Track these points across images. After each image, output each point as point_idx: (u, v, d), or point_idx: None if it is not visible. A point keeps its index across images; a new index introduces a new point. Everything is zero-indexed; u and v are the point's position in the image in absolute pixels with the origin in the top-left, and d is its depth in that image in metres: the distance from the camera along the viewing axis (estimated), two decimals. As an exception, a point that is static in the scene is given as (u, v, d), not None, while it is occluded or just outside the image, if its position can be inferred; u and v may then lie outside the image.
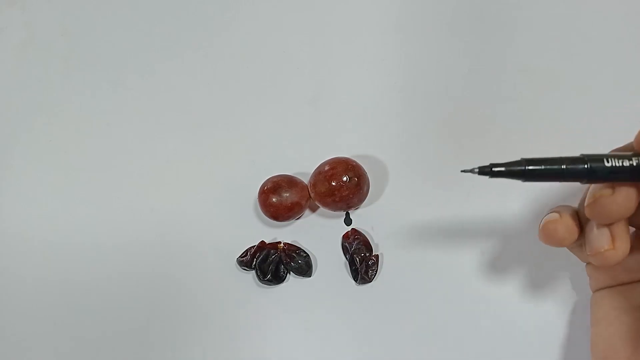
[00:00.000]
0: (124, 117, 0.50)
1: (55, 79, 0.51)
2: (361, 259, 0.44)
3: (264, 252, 0.45)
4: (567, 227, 0.34)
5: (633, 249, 0.33)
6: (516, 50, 0.49)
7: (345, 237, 0.45)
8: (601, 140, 0.47)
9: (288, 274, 0.45)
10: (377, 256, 0.44)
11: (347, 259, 0.45)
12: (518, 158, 0.47)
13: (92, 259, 0.46)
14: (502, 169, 0.32)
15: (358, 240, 0.44)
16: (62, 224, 0.47)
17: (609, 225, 0.32)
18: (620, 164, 0.32)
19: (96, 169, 0.49)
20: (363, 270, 0.44)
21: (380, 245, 0.45)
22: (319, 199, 0.44)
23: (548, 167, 0.32)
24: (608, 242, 0.32)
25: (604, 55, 0.48)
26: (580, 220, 0.35)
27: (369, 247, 0.44)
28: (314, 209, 0.46)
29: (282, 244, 0.45)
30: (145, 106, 0.50)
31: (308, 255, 0.45)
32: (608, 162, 0.32)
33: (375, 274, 0.44)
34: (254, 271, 0.45)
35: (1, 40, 0.52)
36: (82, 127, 0.50)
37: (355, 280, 0.44)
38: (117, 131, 0.49)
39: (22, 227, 0.48)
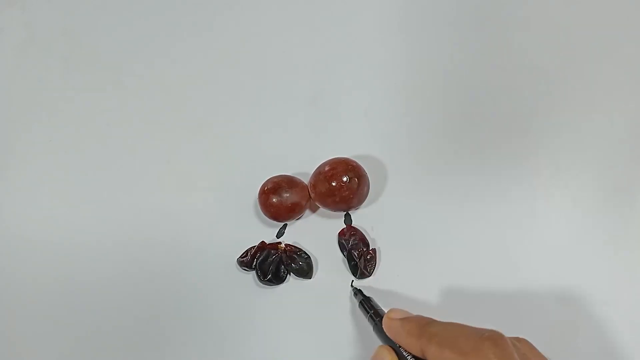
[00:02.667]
0: (124, 117, 0.50)
1: (55, 79, 0.51)
2: (359, 254, 0.44)
3: (265, 253, 0.45)
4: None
5: None
6: (516, 50, 0.49)
7: (342, 234, 0.45)
8: (601, 140, 0.47)
9: (288, 275, 0.45)
10: (374, 250, 0.44)
11: (344, 255, 0.45)
12: (517, 157, 0.47)
13: (92, 258, 0.46)
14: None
15: (355, 237, 0.45)
16: (62, 223, 0.47)
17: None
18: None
19: (96, 169, 0.49)
20: (362, 265, 0.44)
21: (378, 241, 0.45)
22: (319, 200, 0.44)
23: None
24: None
25: (605, 55, 0.48)
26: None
27: (365, 243, 0.45)
28: (314, 209, 0.46)
29: (283, 245, 0.45)
30: (145, 106, 0.50)
31: (309, 256, 0.45)
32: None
33: (374, 268, 0.44)
34: (254, 271, 0.45)
35: (1, 40, 0.52)
36: (82, 127, 0.50)
37: (355, 275, 0.44)
38: (117, 131, 0.49)
39: (22, 226, 0.48)
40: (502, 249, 0.45)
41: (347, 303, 0.44)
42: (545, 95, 0.48)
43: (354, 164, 0.44)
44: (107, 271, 0.46)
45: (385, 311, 0.39)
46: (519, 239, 0.45)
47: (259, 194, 0.45)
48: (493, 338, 0.31)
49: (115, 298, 0.46)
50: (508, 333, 0.43)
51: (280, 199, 0.44)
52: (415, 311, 0.43)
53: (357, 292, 0.42)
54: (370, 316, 0.40)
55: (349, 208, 0.45)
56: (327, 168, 0.44)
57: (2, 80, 0.51)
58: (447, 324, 0.34)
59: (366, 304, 0.41)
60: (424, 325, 0.34)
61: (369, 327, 0.42)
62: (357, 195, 0.44)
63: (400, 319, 0.36)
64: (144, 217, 0.47)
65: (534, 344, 0.43)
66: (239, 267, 0.45)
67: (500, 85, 0.48)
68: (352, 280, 0.44)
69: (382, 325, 0.38)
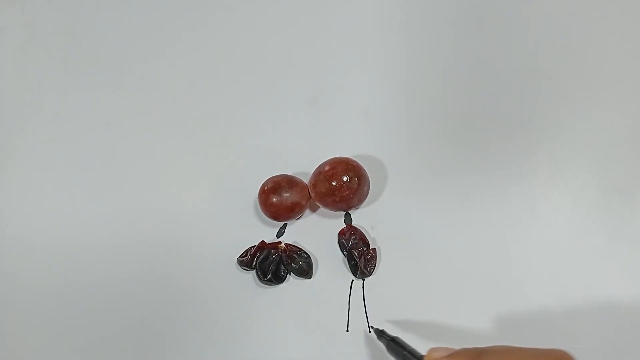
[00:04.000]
0: (124, 117, 0.50)
1: (55, 80, 0.51)
2: (359, 254, 0.44)
3: (265, 252, 0.45)
4: None
5: None
6: (516, 50, 0.49)
7: (342, 233, 0.45)
8: (601, 139, 0.47)
9: (288, 274, 0.45)
10: (375, 249, 0.44)
11: (344, 255, 0.45)
12: (517, 157, 0.47)
13: (92, 259, 0.46)
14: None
15: (355, 236, 0.44)
16: (61, 223, 0.47)
17: None
18: None
19: (96, 169, 0.49)
20: (362, 264, 0.44)
21: (378, 241, 0.45)
22: (319, 199, 0.44)
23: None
24: None
25: (604, 54, 0.48)
26: None
27: (365, 242, 0.45)
28: (314, 209, 0.46)
29: (283, 245, 0.45)
30: (145, 106, 0.50)
31: (309, 256, 0.45)
32: None
33: (374, 267, 0.44)
34: (254, 271, 0.45)
35: (1, 40, 0.52)
36: (82, 127, 0.50)
37: (355, 275, 0.44)
38: (117, 131, 0.49)
39: (22, 227, 0.48)
40: (502, 249, 0.45)
41: (347, 303, 0.44)
42: (545, 95, 0.48)
43: (354, 163, 0.44)
44: (107, 271, 0.46)
45: (411, 346, 0.37)
46: (519, 239, 0.45)
47: (259, 193, 0.45)
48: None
49: (115, 298, 0.45)
50: (507, 333, 0.43)
51: (280, 198, 0.44)
52: (415, 311, 0.44)
53: (381, 333, 0.41)
54: (407, 354, 0.37)
55: (349, 208, 0.45)
56: (327, 168, 0.44)
57: (2, 80, 0.51)
58: (500, 350, 0.30)
59: (397, 343, 0.39)
60: (475, 358, 0.31)
61: (371, 322, 0.42)
62: (357, 195, 0.44)
63: (447, 357, 0.32)
64: (144, 217, 0.47)
65: (534, 344, 0.43)
66: (239, 266, 0.45)
67: (500, 85, 0.48)
68: (369, 326, 0.43)
69: None
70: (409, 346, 0.38)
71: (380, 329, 0.41)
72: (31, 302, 0.46)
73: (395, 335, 0.40)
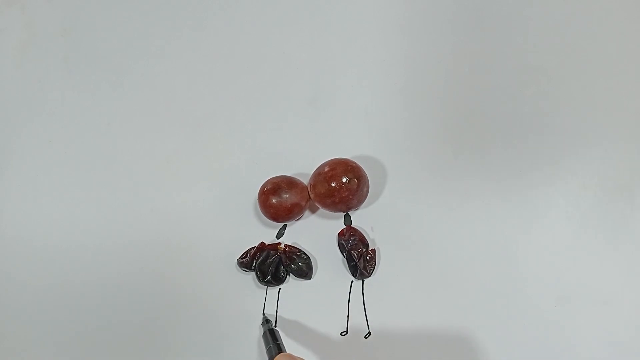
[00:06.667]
0: (124, 117, 0.50)
1: (55, 79, 0.51)
2: (359, 254, 0.44)
3: (264, 254, 0.45)
4: None
5: None
6: (516, 50, 0.49)
7: (341, 234, 0.45)
8: (601, 139, 0.47)
9: (288, 275, 0.45)
10: (374, 250, 0.44)
11: (344, 255, 0.45)
12: (517, 157, 0.47)
13: (91, 259, 0.47)
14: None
15: (354, 237, 0.45)
16: (62, 223, 0.48)
17: None
18: None
19: (96, 169, 0.49)
20: (362, 265, 0.44)
21: (378, 242, 0.45)
22: (319, 200, 0.44)
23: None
24: None
25: (604, 54, 0.48)
26: None
27: (365, 243, 0.45)
28: (313, 210, 0.46)
29: (282, 246, 0.45)
30: (145, 106, 0.50)
31: (309, 257, 0.45)
32: None
33: (374, 268, 0.44)
34: (254, 272, 0.45)
35: (1, 40, 0.52)
36: (82, 127, 0.50)
37: (354, 276, 0.44)
38: (117, 131, 0.50)
39: (22, 227, 0.48)
40: (502, 249, 0.45)
41: (346, 304, 0.44)
42: (546, 95, 0.48)
43: (354, 164, 0.44)
44: (107, 271, 0.46)
45: (281, 343, 0.41)
46: (519, 239, 0.45)
47: (259, 194, 0.45)
48: None
49: (115, 298, 0.46)
50: (508, 333, 0.43)
51: (280, 199, 0.44)
52: (414, 312, 0.44)
53: (266, 322, 0.43)
54: (269, 349, 0.41)
55: (349, 209, 0.45)
56: (326, 169, 0.44)
57: (2, 80, 0.51)
58: None
59: (270, 335, 0.41)
60: None
61: (370, 322, 0.42)
62: (357, 196, 0.44)
63: None
64: (144, 218, 0.47)
65: (534, 344, 0.43)
66: (238, 267, 0.45)
67: (501, 85, 0.48)
68: (263, 314, 0.44)
69: None
70: (277, 342, 0.41)
71: (268, 318, 0.43)
72: (31, 302, 0.46)
73: (277, 328, 0.43)
